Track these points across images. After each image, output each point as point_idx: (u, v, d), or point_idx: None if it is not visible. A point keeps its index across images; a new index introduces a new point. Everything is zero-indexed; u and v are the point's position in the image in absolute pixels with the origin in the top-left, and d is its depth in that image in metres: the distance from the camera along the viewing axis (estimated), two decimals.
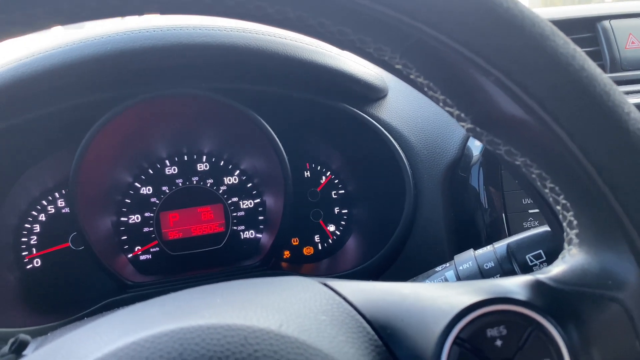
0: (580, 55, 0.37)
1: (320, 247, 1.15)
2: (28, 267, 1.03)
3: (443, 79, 0.40)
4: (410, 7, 0.36)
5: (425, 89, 0.42)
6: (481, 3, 0.36)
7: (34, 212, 1.04)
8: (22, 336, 0.54)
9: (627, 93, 0.94)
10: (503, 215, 0.89)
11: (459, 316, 0.37)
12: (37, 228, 1.04)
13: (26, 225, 1.04)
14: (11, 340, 0.54)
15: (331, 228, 1.15)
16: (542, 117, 0.37)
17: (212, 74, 0.91)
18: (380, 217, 1.07)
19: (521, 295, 0.38)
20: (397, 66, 0.42)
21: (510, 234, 0.88)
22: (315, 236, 1.15)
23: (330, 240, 1.15)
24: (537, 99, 0.36)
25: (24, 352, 0.54)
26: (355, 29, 0.39)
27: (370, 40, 0.40)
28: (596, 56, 1.04)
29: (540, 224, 0.73)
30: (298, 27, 0.41)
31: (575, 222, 0.41)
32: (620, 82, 0.99)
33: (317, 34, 0.41)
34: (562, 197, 0.41)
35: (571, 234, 0.41)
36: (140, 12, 0.38)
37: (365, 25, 0.38)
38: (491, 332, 0.37)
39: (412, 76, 0.42)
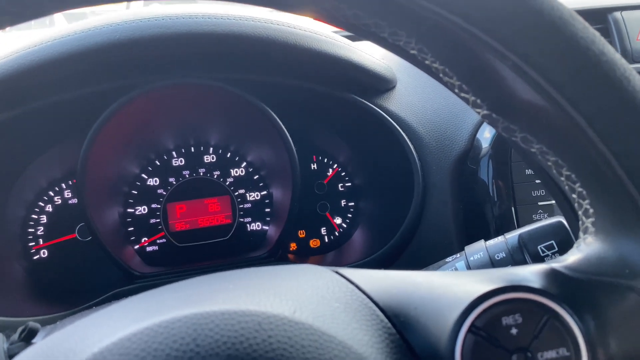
0: (599, 40, 0.37)
1: (326, 240, 1.14)
2: (35, 257, 1.03)
3: (459, 64, 0.40)
4: None
5: (441, 75, 0.41)
6: None
7: (40, 203, 1.04)
8: (32, 324, 0.54)
9: None
10: (512, 207, 0.89)
11: (474, 304, 0.37)
12: (44, 219, 1.04)
13: (33, 216, 1.04)
14: (20, 328, 0.54)
15: (338, 221, 1.15)
16: (560, 103, 0.36)
17: (220, 63, 0.90)
18: (388, 209, 1.06)
19: (537, 284, 0.38)
20: (412, 52, 0.41)
21: (519, 227, 0.87)
22: (322, 229, 1.14)
23: (336, 233, 1.15)
24: (555, 84, 0.36)
25: (34, 340, 0.54)
26: (370, 13, 0.38)
27: (385, 25, 0.39)
28: None
29: (550, 216, 0.72)
30: (314, 11, 0.40)
31: (591, 211, 0.40)
32: None
33: (332, 19, 0.40)
34: (578, 184, 0.40)
35: (587, 222, 0.41)
36: None
37: (380, 9, 0.38)
38: (507, 320, 0.36)
39: (427, 62, 0.41)
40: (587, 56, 0.35)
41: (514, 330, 0.36)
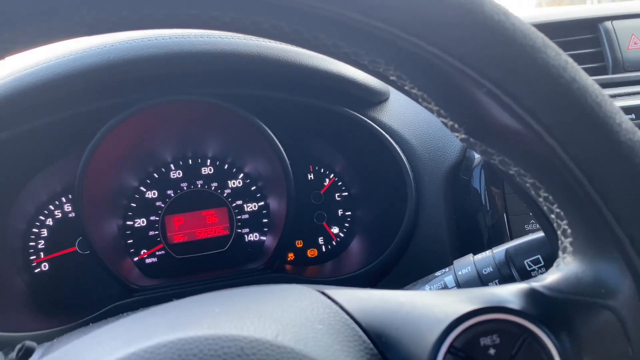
0: (572, 66, 0.38)
1: (324, 249, 1.15)
2: (36, 270, 1.05)
3: (436, 90, 0.41)
4: (403, 21, 0.36)
5: (420, 100, 0.42)
6: (473, 16, 0.36)
7: (41, 217, 1.06)
8: (29, 343, 0.55)
9: (629, 94, 0.94)
10: (505, 217, 0.90)
11: (453, 325, 0.38)
12: (44, 232, 1.06)
13: (34, 229, 1.05)
14: (18, 347, 0.55)
15: (335, 230, 1.16)
16: (534, 128, 0.37)
17: (215, 80, 0.92)
18: (383, 219, 1.07)
19: (515, 304, 0.39)
20: (392, 77, 0.42)
21: (512, 237, 0.88)
22: (319, 238, 1.15)
23: (334, 243, 1.16)
24: (529, 110, 0.37)
25: (30, 359, 0.55)
26: (349, 43, 0.40)
27: (364, 53, 0.40)
28: (598, 57, 1.03)
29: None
30: (294, 40, 0.41)
31: (569, 231, 0.41)
32: (622, 83, 0.98)
33: (312, 47, 0.41)
34: (555, 206, 0.41)
35: (565, 242, 0.42)
36: (151, 25, 0.38)
37: (359, 39, 0.39)
38: (484, 341, 0.37)
39: (406, 87, 0.42)
40: (559, 83, 0.36)
41: (491, 351, 0.37)
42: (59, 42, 0.39)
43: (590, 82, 0.38)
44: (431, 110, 0.43)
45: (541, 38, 0.38)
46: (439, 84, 0.40)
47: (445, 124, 0.42)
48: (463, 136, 0.42)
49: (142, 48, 0.79)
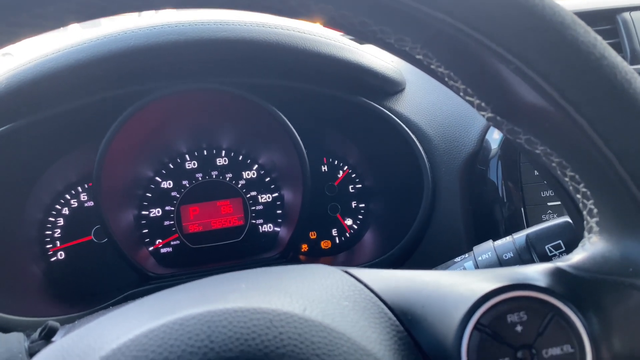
0: (601, 43, 0.37)
1: (337, 241, 1.16)
2: (52, 259, 1.05)
3: (463, 68, 0.41)
4: None
5: (446, 79, 0.42)
6: None
7: (57, 206, 1.07)
8: (52, 323, 0.55)
9: None
10: (522, 208, 0.89)
11: (480, 302, 0.38)
12: (60, 221, 1.07)
13: (50, 218, 1.06)
14: (41, 327, 0.56)
15: (348, 222, 1.16)
16: (562, 106, 0.37)
17: (232, 68, 0.92)
18: (398, 211, 1.07)
19: (541, 282, 0.39)
20: (418, 57, 0.42)
21: (528, 227, 0.87)
22: (333, 230, 1.16)
23: (347, 234, 1.16)
24: (557, 88, 0.37)
25: (53, 339, 0.55)
26: (376, 20, 0.40)
27: (391, 31, 0.40)
28: (616, 48, 1.03)
29: (559, 217, 0.73)
30: (321, 19, 0.41)
31: (595, 210, 0.41)
32: None
33: (339, 26, 0.41)
34: (582, 185, 0.41)
35: (591, 222, 0.42)
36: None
37: (386, 16, 0.39)
38: (511, 318, 0.37)
39: (432, 66, 0.42)
40: (588, 60, 0.36)
41: (518, 328, 0.37)
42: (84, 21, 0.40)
43: (619, 59, 0.38)
44: (457, 90, 0.43)
45: (570, 15, 0.38)
46: (466, 62, 0.40)
47: (472, 103, 0.42)
48: (490, 115, 0.42)
49: (162, 34, 0.79)
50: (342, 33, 0.51)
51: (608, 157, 0.37)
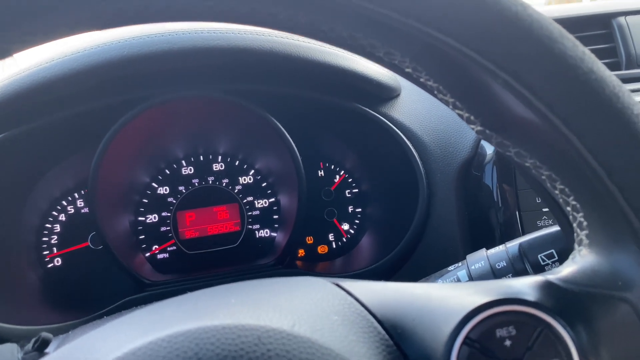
0: (589, 57, 0.37)
1: (334, 246, 1.16)
2: (49, 266, 1.05)
3: (452, 82, 0.41)
4: (419, 12, 0.36)
5: (435, 92, 0.42)
6: (489, 7, 0.36)
7: (54, 212, 1.07)
8: (45, 334, 0.55)
9: None
10: (517, 213, 0.89)
11: (469, 316, 0.38)
12: (57, 228, 1.07)
13: (47, 225, 1.06)
14: (34, 339, 0.56)
15: (345, 227, 1.16)
16: (551, 120, 0.37)
17: (227, 75, 0.92)
18: (394, 215, 1.07)
19: (531, 296, 0.39)
20: (407, 70, 0.42)
21: (524, 233, 0.87)
22: (330, 235, 1.16)
23: (344, 239, 1.16)
24: (545, 102, 0.37)
25: (46, 350, 0.55)
26: (365, 34, 0.40)
27: (380, 45, 0.40)
28: (612, 53, 1.03)
29: (554, 223, 0.73)
30: (310, 33, 0.41)
31: (585, 223, 0.41)
32: (635, 78, 0.98)
33: (328, 39, 0.41)
34: (572, 198, 0.41)
35: (581, 234, 0.42)
36: (160, 19, 0.39)
37: (375, 30, 0.39)
38: (500, 332, 0.37)
39: (422, 79, 0.42)
40: (576, 74, 0.36)
41: (507, 342, 0.37)
42: (76, 35, 0.40)
43: (607, 73, 0.38)
44: (447, 103, 0.43)
45: (558, 29, 0.38)
46: (455, 75, 0.40)
47: (461, 116, 0.42)
48: (479, 128, 0.42)
49: (156, 43, 0.79)
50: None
51: (597, 170, 0.37)
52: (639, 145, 0.36)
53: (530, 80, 0.36)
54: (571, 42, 0.37)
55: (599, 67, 0.37)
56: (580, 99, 0.36)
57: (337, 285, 0.43)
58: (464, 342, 0.37)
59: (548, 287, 0.40)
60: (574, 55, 0.37)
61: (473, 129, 0.42)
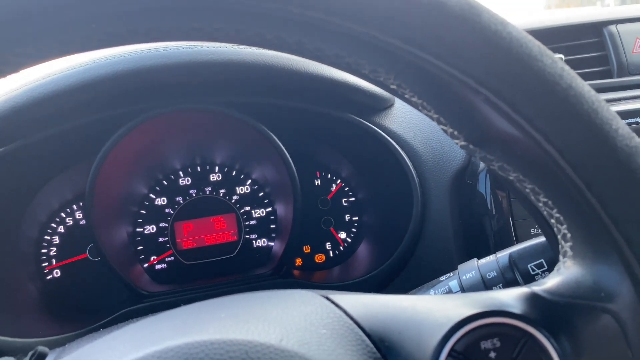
0: (568, 74, 0.38)
1: (331, 255, 1.16)
2: (48, 277, 1.06)
3: (435, 98, 0.42)
4: (401, 32, 0.37)
5: (420, 108, 0.43)
6: (470, 26, 0.37)
7: (53, 224, 1.07)
8: (41, 348, 0.56)
9: (634, 98, 0.94)
10: (510, 221, 0.90)
11: (454, 329, 0.38)
12: (56, 240, 1.07)
13: (46, 237, 1.07)
14: (30, 353, 0.56)
15: (342, 235, 1.17)
16: (531, 135, 0.38)
17: (222, 88, 0.93)
18: (390, 224, 1.08)
19: (515, 308, 0.40)
20: (392, 86, 0.43)
21: (517, 241, 0.88)
22: (327, 243, 1.16)
23: (341, 248, 1.16)
24: (526, 118, 0.37)
25: None
26: (350, 53, 0.41)
27: (365, 63, 0.41)
28: (603, 61, 1.04)
29: None
30: (297, 51, 0.42)
31: (568, 235, 0.42)
32: (627, 86, 0.99)
33: (315, 57, 0.42)
34: (555, 210, 0.42)
35: (565, 246, 0.42)
36: (153, 39, 0.40)
37: (359, 49, 0.40)
38: (485, 345, 0.38)
39: (406, 95, 0.43)
40: (555, 91, 0.37)
41: (492, 354, 0.38)
42: (69, 55, 0.41)
43: (586, 89, 0.39)
44: (431, 118, 0.44)
45: (537, 46, 0.39)
46: (438, 92, 0.41)
47: (445, 131, 0.43)
48: (463, 143, 0.42)
49: (150, 59, 0.81)
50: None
51: (578, 184, 0.38)
52: (617, 158, 0.37)
53: (510, 97, 0.37)
54: (550, 59, 0.38)
55: (578, 83, 0.38)
56: (559, 115, 0.37)
57: (327, 298, 0.44)
58: (449, 355, 0.38)
59: (533, 299, 0.41)
60: (553, 72, 0.38)
61: (457, 143, 0.43)
